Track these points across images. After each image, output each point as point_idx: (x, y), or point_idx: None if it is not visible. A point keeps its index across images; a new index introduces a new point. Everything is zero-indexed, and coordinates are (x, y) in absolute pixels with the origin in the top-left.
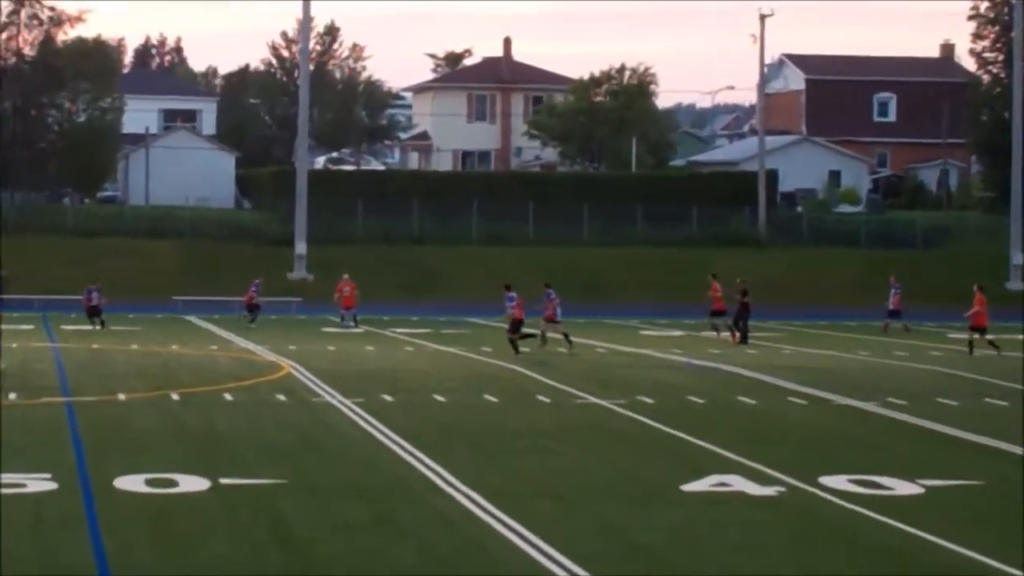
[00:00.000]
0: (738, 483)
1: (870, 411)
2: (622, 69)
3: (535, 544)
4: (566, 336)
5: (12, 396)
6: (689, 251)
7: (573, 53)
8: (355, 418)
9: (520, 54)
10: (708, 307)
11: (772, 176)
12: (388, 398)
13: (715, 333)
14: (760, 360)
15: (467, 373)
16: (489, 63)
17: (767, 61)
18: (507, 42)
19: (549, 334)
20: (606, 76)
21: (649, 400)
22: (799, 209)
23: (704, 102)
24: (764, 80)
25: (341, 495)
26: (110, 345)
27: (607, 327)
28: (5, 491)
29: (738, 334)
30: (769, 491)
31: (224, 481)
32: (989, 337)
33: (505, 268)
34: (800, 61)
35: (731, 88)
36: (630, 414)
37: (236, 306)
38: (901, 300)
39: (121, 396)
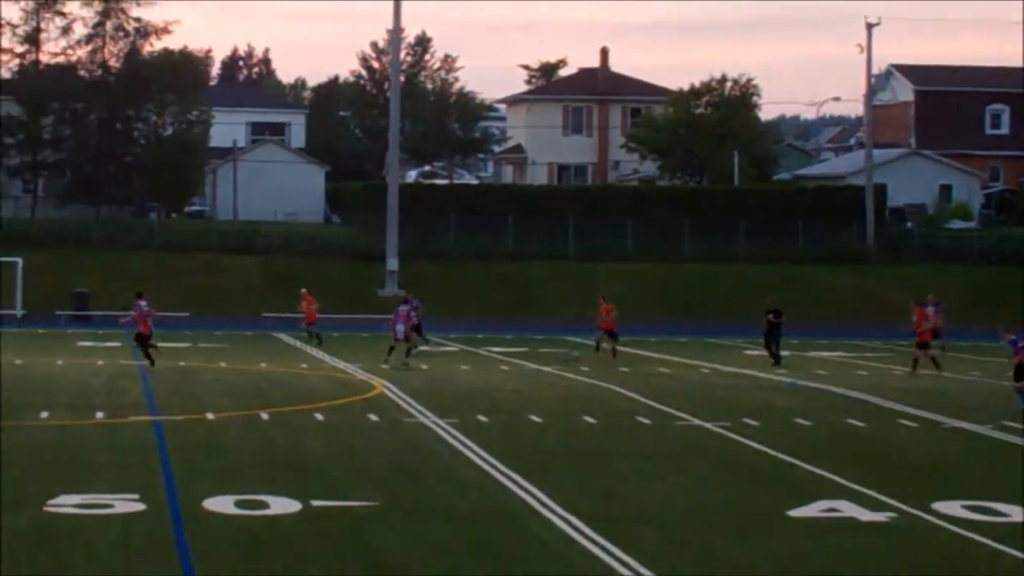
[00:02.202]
0: (847, 509)
1: (984, 434)
2: (723, 80)
3: (636, 571)
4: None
5: (99, 415)
6: (794, 268)
7: (672, 63)
8: (449, 439)
9: (617, 64)
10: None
11: (880, 191)
12: (483, 419)
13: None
14: (869, 381)
15: (565, 393)
16: (585, 74)
17: (874, 71)
18: (604, 52)
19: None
20: (707, 87)
21: (754, 422)
22: (909, 225)
23: (809, 114)
24: (871, 91)
25: (435, 518)
26: (198, 363)
27: (709, 346)
28: (92, 511)
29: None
30: (880, 517)
31: (315, 503)
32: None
33: (602, 284)
34: (909, 71)
35: (837, 100)
36: (734, 436)
37: (326, 323)
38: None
39: (210, 415)
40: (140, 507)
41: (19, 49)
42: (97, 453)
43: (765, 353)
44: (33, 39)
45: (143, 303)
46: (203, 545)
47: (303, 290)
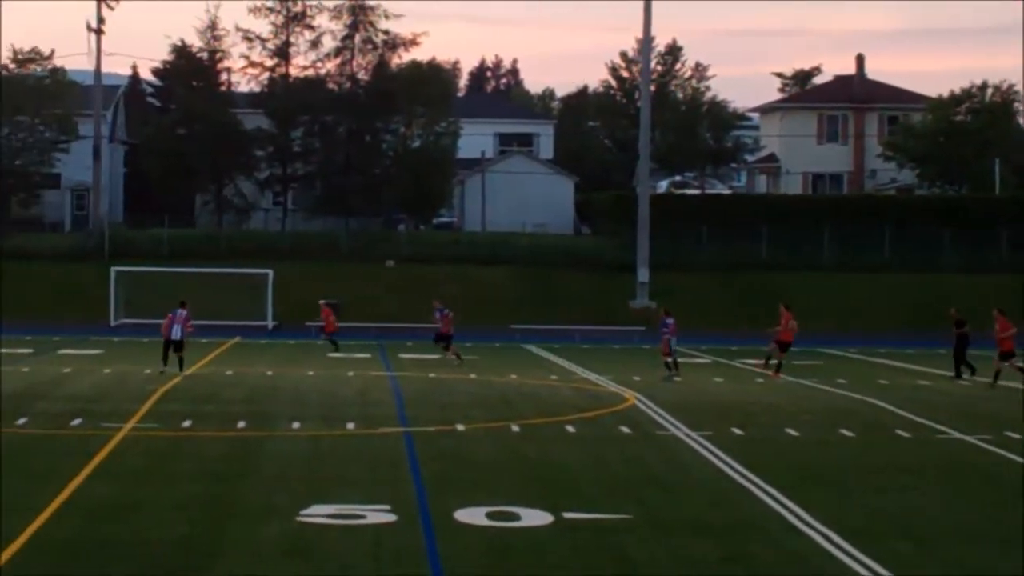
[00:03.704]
0: None
1: None
2: (984, 86)
3: None
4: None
5: (350, 426)
6: None
7: (930, 70)
8: (703, 452)
9: (874, 72)
10: None
11: None
12: (738, 432)
13: None
14: None
15: (821, 406)
16: (840, 81)
17: None
18: (859, 59)
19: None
20: (967, 94)
21: (1017, 436)
22: None
23: None
24: None
25: (689, 531)
26: (448, 375)
27: (972, 357)
28: (344, 522)
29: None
30: None
31: (567, 515)
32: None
33: (858, 296)
34: None
35: None
36: (997, 451)
37: (576, 335)
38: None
39: (460, 427)
40: (392, 518)
41: (269, 63)
42: (348, 464)
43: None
44: (283, 53)
45: (182, 311)
46: (454, 557)
47: (322, 302)
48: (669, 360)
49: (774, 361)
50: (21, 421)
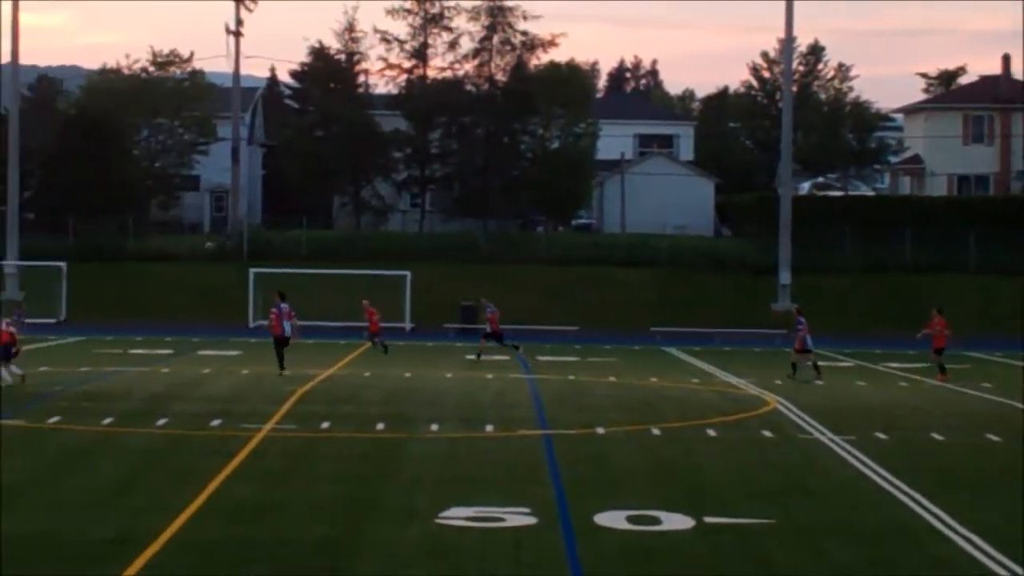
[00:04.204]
0: None
1: None
2: None
3: None
4: (815, 366)
5: (489, 428)
6: None
7: None
8: (846, 456)
9: (1020, 72)
10: None
11: None
12: (882, 436)
13: None
14: None
15: (967, 410)
16: (986, 82)
17: None
18: (1006, 59)
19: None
20: None
21: None
22: None
23: None
24: None
25: (833, 537)
26: (587, 377)
27: None
28: (484, 524)
29: None
30: None
31: (708, 519)
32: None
33: (1004, 299)
34: None
35: None
36: None
37: (716, 338)
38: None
39: (600, 430)
40: (531, 521)
41: (407, 64)
42: (487, 466)
43: None
44: (421, 54)
45: (284, 305)
46: (595, 560)
47: (365, 301)
48: (810, 363)
49: (941, 366)
50: (161, 422)
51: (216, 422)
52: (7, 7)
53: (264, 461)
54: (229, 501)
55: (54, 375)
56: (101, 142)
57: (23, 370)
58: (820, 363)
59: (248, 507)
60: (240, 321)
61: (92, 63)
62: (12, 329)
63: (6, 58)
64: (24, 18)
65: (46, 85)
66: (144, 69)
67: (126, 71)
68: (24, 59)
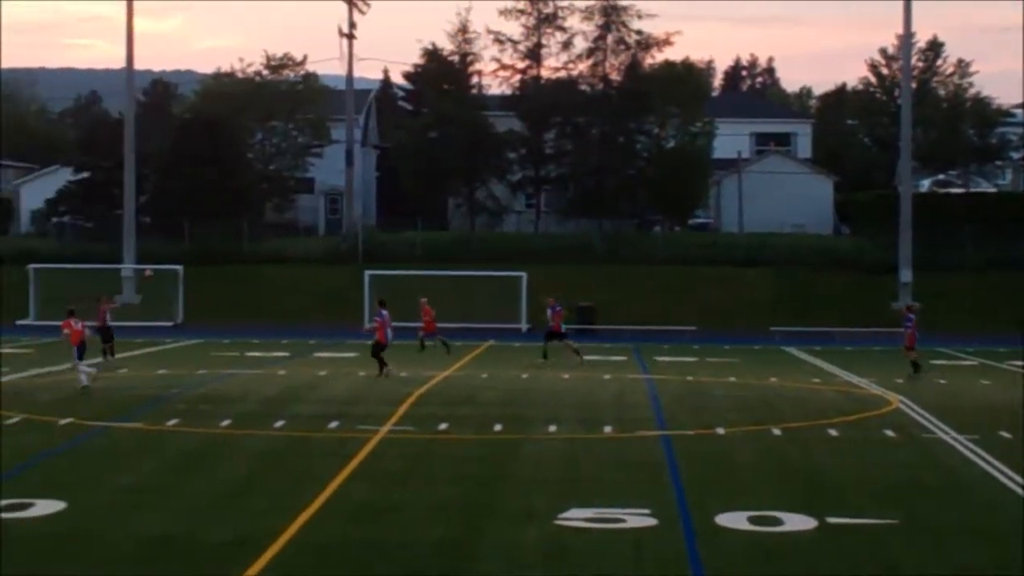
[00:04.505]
0: None
1: None
2: None
3: None
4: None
5: (607, 429)
6: None
7: None
8: (971, 456)
9: None
10: None
11: None
12: (1007, 435)
13: None
14: None
15: None
16: None
17: None
18: None
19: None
20: None
21: None
22: None
23: None
24: None
25: (958, 537)
26: (706, 377)
27: None
28: (604, 525)
29: None
30: None
31: (831, 520)
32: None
33: None
34: None
35: None
36: None
37: (836, 337)
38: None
39: (719, 430)
40: (652, 522)
41: (520, 65)
42: (606, 467)
43: None
44: (534, 55)
45: (385, 312)
46: (717, 561)
47: (423, 299)
48: (914, 357)
49: None
50: (278, 424)
51: (333, 424)
52: (122, 13)
53: (382, 463)
54: (348, 503)
55: (171, 378)
56: (216, 146)
57: (101, 370)
58: (944, 362)
59: (367, 509)
60: (356, 323)
61: (206, 67)
62: (98, 323)
63: (121, 63)
64: (139, 23)
65: (161, 89)
66: (258, 72)
67: (240, 75)
68: (139, 64)
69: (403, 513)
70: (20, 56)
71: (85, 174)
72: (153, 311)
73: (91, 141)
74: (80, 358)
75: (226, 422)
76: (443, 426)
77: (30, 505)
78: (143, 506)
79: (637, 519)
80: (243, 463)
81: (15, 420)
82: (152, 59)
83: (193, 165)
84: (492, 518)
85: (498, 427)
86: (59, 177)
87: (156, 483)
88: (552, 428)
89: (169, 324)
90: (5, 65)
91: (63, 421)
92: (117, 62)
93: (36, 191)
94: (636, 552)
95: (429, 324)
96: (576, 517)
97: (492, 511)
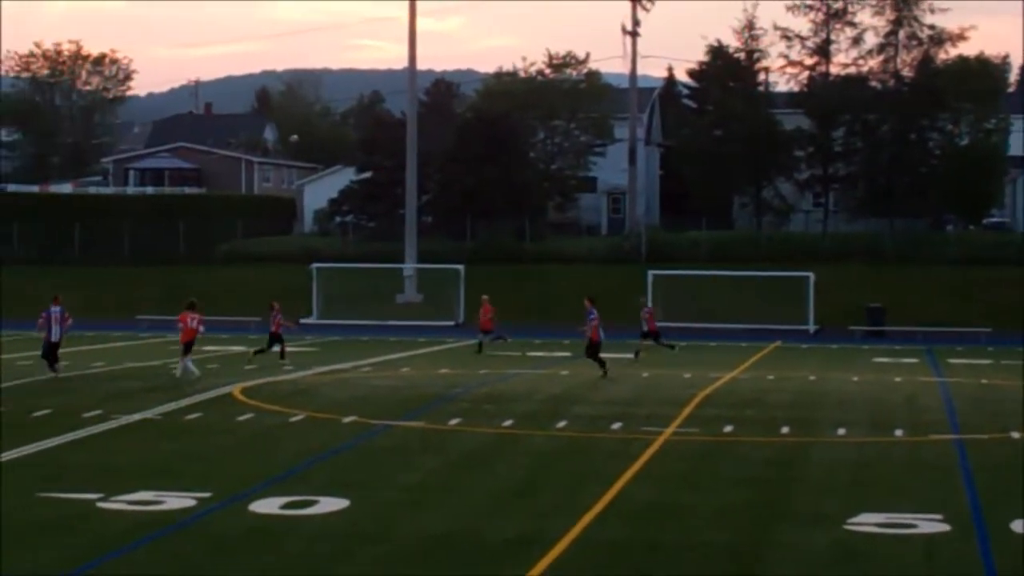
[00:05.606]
0: None
1: None
2: None
3: None
4: None
5: (898, 432)
6: None
7: None
8: None
9: None
10: None
11: None
12: None
13: None
14: None
15: None
16: None
17: None
18: None
19: None
20: None
21: None
22: None
23: None
24: None
25: None
26: (1001, 380)
27: None
28: (895, 531)
29: None
30: None
31: None
32: None
33: None
34: None
35: None
36: None
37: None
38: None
39: (1015, 435)
40: (945, 528)
41: (808, 61)
42: (897, 472)
43: None
44: (823, 51)
45: (594, 311)
46: (1013, 570)
47: (484, 297)
48: None
49: None
50: (561, 424)
51: (616, 425)
52: (404, 14)
53: (667, 464)
54: (632, 503)
55: (453, 377)
56: (498, 144)
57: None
58: None
59: (652, 509)
60: (636, 324)
61: (487, 67)
62: (201, 328)
63: (403, 64)
64: (421, 23)
65: (443, 89)
66: (540, 71)
67: (522, 73)
68: (421, 64)
69: (688, 515)
70: (304, 58)
71: (367, 174)
72: (435, 311)
73: (373, 141)
74: (186, 353)
75: (508, 422)
76: (728, 428)
77: (314, 502)
78: (425, 504)
79: (929, 525)
80: (525, 463)
81: (299, 417)
82: (434, 59)
83: (475, 164)
84: (780, 522)
85: (785, 429)
86: (342, 177)
87: (438, 481)
88: (841, 431)
89: (451, 324)
90: (291, 66)
91: (347, 419)
92: (398, 63)
93: (319, 191)
94: (928, 560)
95: (486, 322)
96: (866, 522)
97: (780, 515)
